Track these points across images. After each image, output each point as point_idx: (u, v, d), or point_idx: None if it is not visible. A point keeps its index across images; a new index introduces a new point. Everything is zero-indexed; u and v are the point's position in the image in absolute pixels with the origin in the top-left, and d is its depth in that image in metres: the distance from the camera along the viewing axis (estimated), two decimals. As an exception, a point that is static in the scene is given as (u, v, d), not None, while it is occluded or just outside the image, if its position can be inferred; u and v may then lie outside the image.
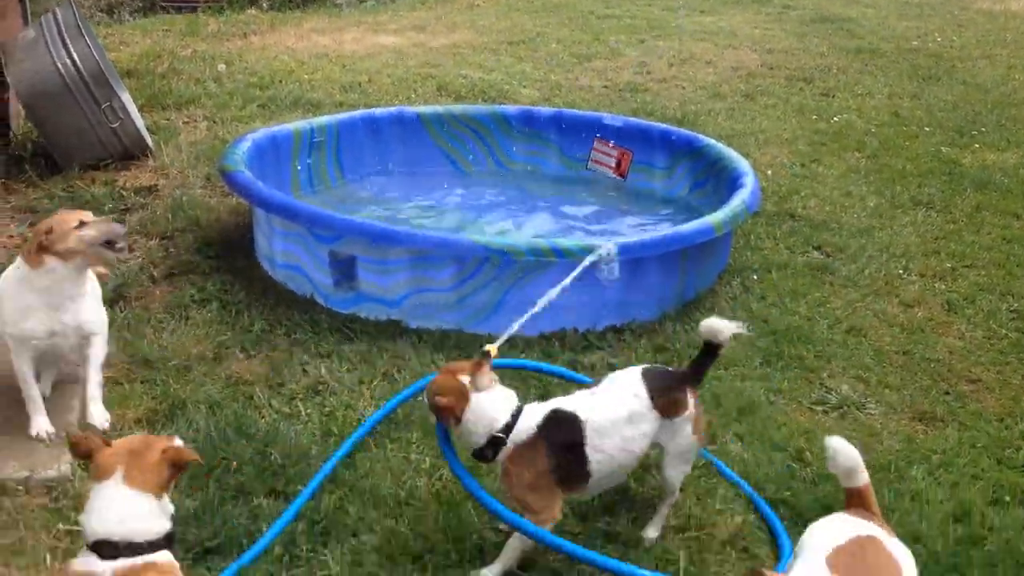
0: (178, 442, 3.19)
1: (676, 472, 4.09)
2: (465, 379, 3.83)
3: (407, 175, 7.53)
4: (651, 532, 4.13)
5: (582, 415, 3.88)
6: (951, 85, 11.29)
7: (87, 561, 2.96)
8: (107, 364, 5.03)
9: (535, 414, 3.88)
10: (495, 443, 3.82)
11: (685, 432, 4.00)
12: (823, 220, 7.36)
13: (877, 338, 5.80)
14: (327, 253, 5.59)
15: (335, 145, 7.24)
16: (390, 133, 7.55)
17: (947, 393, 5.32)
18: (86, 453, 3.08)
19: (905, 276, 6.57)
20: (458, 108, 7.99)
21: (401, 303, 5.52)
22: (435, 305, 5.54)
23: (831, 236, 7.10)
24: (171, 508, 3.12)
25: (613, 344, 5.51)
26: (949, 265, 6.74)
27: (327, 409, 4.82)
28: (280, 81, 9.85)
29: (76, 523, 3.96)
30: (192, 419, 4.61)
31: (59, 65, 7.06)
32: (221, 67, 10.12)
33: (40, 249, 4.31)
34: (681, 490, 4.21)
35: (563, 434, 3.85)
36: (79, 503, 4.04)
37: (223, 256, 6.21)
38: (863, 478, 3.31)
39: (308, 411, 4.78)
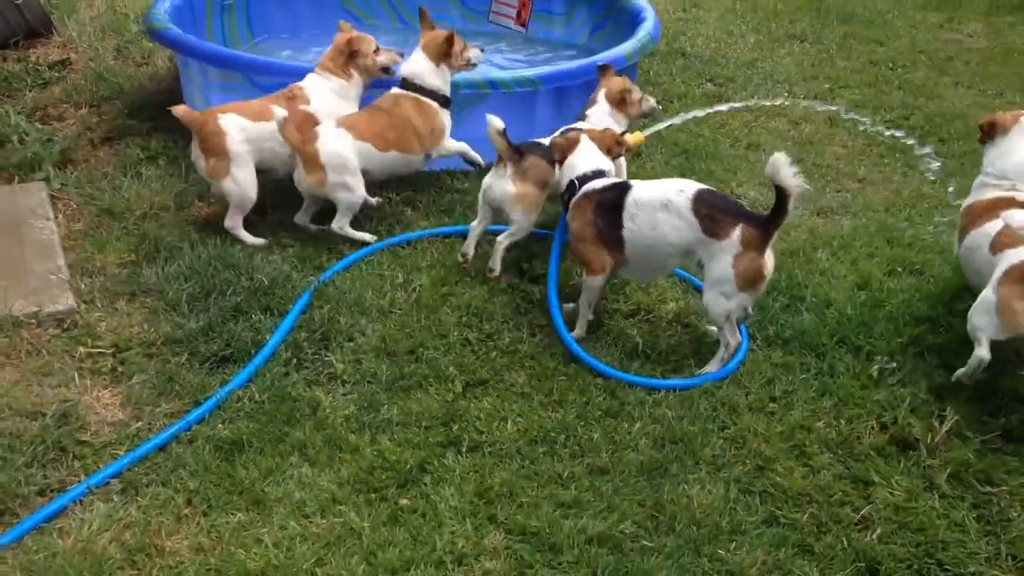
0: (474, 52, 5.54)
1: (711, 297, 4.31)
2: (585, 137, 4.70)
3: (315, 35, 7.71)
4: (707, 367, 4.42)
5: (633, 187, 4.48)
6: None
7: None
8: (76, 217, 5.30)
9: (605, 180, 4.59)
10: (570, 188, 4.62)
11: (723, 261, 4.23)
12: (711, 56, 7.98)
13: (772, 150, 6.42)
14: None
15: (244, 7, 7.37)
16: (297, -6, 7.71)
17: (838, 191, 6.06)
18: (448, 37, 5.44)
19: (790, 98, 7.25)
20: (362, -33, 8.14)
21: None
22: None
23: (720, 69, 7.72)
24: (448, 77, 5.48)
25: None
26: (827, 87, 7.46)
27: (300, 240, 5.20)
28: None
29: (94, 347, 4.32)
30: (176, 255, 4.92)
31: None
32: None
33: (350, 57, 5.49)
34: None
35: (611, 195, 4.50)
36: (90, 331, 4.40)
37: (158, 118, 6.34)
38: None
39: (282, 241, 5.15)
